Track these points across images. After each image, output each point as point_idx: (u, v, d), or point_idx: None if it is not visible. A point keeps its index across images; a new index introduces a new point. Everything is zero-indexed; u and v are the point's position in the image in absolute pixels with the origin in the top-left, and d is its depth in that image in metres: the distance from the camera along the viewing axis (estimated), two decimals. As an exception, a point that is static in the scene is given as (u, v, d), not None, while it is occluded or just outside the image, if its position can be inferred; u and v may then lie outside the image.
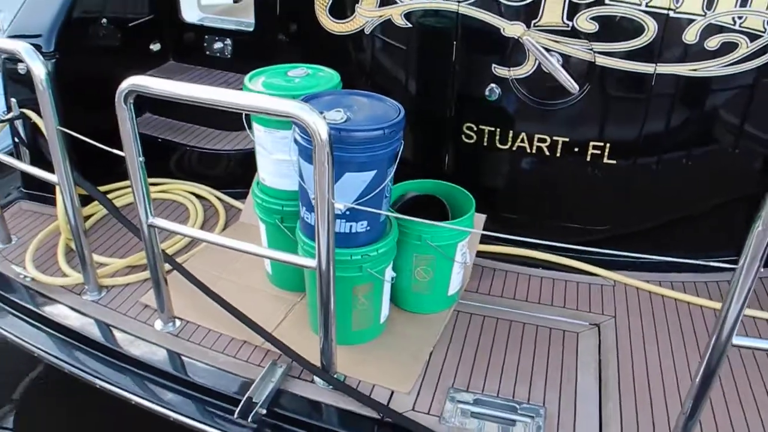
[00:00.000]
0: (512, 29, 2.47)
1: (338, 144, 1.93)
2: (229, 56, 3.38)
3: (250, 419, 1.98)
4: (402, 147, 2.08)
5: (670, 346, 2.35)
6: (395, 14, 2.65)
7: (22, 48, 2.12)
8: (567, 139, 2.60)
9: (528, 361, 2.27)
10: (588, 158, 2.61)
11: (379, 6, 2.66)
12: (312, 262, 1.92)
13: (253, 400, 2.03)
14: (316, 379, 2.15)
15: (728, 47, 2.36)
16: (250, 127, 2.38)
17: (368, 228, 2.12)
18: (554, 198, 2.76)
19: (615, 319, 2.47)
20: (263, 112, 1.79)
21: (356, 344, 2.31)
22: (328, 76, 2.41)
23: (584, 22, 2.39)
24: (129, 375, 2.26)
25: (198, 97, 1.81)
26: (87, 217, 2.90)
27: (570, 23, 2.40)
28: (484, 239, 2.72)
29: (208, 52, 3.41)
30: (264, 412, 2.04)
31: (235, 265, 2.66)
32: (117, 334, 2.34)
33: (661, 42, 2.37)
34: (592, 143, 2.58)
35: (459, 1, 2.49)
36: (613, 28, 2.38)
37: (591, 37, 2.41)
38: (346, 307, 2.22)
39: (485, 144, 2.70)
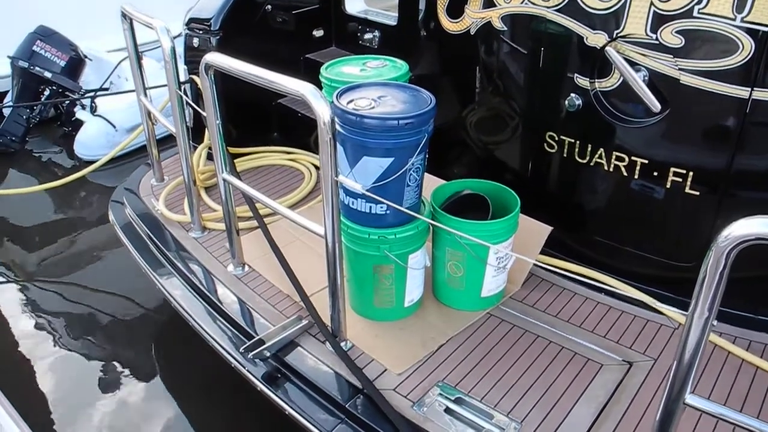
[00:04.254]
0: (595, 38, 2.36)
1: (357, 128, 2.11)
2: (376, 47, 3.66)
3: (252, 355, 2.27)
4: (427, 138, 2.16)
5: None
6: (494, 17, 2.68)
7: (158, 25, 2.63)
8: (646, 161, 2.40)
9: (531, 377, 2.20)
10: (668, 185, 2.38)
11: (483, 8, 2.71)
12: (321, 230, 2.13)
13: (264, 342, 2.31)
14: (328, 343, 2.35)
15: None
16: None
17: (387, 211, 2.24)
18: (630, 223, 2.56)
19: (655, 362, 2.25)
20: (283, 91, 2.03)
21: (378, 320, 2.45)
22: (397, 67, 2.56)
23: (669, 36, 2.19)
24: (195, 300, 2.69)
25: (242, 72, 2.12)
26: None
27: (654, 36, 2.22)
28: (547, 252, 2.64)
29: (360, 42, 3.73)
30: (268, 354, 2.31)
31: (315, 231, 2.95)
32: (198, 266, 2.79)
33: (760, 63, 2.08)
34: (673, 169, 2.35)
35: (547, 7, 2.45)
36: (701, 44, 2.15)
37: (677, 52, 2.20)
38: (367, 283, 2.37)
39: (565, 155, 2.61)
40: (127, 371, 3.28)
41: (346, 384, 2.21)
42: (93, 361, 3.35)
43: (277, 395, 2.23)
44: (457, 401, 2.11)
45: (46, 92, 5.36)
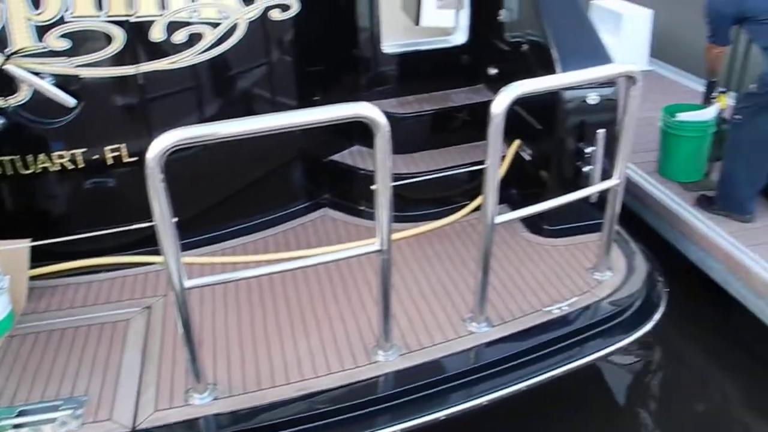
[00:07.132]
0: (-9, 60, 2.55)
1: None
2: None
3: None
4: None
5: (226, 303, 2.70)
6: None
7: None
8: (84, 150, 2.76)
9: (76, 359, 2.40)
10: (110, 162, 2.80)
11: None
12: None
13: None
14: None
15: (197, 37, 2.75)
16: None
17: None
18: (98, 203, 2.91)
19: (166, 297, 2.71)
20: None
21: None
22: None
23: (55, 41, 2.55)
24: None
25: None
26: None
27: (43, 44, 2.55)
28: (37, 264, 2.78)
29: None
30: None
31: None
32: None
33: (133, 45, 2.65)
34: (107, 148, 2.78)
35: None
36: (85, 42, 2.59)
37: (69, 53, 2.59)
38: None
39: (11, 173, 2.73)
40: None
41: None
42: None
43: None
44: (20, 414, 2.17)
45: None
